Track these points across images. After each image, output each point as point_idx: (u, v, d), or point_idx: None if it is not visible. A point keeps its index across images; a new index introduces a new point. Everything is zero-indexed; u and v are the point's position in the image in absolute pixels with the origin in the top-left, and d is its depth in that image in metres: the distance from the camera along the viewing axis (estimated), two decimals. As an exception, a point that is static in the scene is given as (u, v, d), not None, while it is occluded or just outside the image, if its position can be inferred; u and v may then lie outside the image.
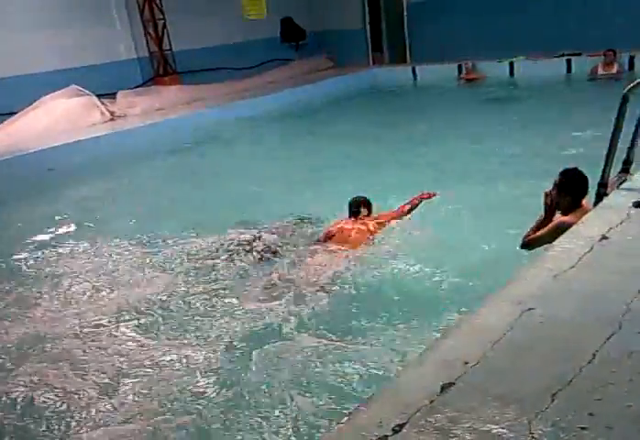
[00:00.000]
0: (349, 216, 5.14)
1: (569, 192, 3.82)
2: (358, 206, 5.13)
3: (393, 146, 8.24)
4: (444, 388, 2.11)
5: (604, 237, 3.12)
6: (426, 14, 14.27)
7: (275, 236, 5.24)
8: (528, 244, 3.91)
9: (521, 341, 2.35)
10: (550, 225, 3.79)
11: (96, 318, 4.22)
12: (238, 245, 5.11)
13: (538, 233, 3.87)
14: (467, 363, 2.22)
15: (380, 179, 6.58)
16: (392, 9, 15.19)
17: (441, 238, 4.93)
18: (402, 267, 4.53)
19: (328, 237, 4.99)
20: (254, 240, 5.14)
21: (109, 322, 4.15)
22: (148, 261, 5.08)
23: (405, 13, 14.74)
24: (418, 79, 13.82)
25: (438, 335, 3.07)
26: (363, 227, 4.99)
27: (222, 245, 5.17)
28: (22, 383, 3.54)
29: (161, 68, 12.61)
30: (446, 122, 9.40)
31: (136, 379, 3.53)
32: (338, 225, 5.05)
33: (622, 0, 11.90)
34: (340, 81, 13.47)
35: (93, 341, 3.95)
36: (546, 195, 3.92)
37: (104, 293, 4.61)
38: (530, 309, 2.54)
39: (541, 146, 7.34)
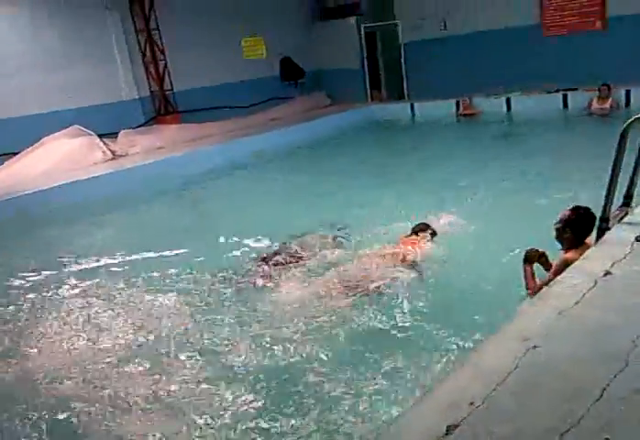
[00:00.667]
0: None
1: (575, 230, 3.82)
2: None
3: (396, 177, 8.29)
4: (449, 429, 2.07)
5: (608, 273, 3.10)
6: (422, 52, 14.54)
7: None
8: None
9: (527, 380, 2.31)
10: (555, 266, 3.76)
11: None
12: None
13: (544, 279, 3.80)
14: (472, 404, 2.18)
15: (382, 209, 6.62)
16: (389, 48, 15.48)
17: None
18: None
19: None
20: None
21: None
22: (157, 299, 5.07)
23: (402, 51, 15.02)
24: (417, 115, 13.98)
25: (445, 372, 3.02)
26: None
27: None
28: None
29: (163, 107, 12.76)
30: (444, 155, 9.45)
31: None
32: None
33: (616, 36, 12.12)
34: (340, 117, 13.61)
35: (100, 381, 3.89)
36: (527, 252, 3.99)
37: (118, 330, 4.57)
38: (535, 347, 2.51)
39: (538, 178, 7.35)
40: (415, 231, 5.45)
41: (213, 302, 4.83)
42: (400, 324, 4.12)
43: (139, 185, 9.18)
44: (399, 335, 4.01)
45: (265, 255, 5.57)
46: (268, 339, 4.09)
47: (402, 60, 15.06)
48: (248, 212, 7.39)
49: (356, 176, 8.65)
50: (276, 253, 5.56)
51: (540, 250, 4.03)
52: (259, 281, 5.13)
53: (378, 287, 4.70)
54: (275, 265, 5.36)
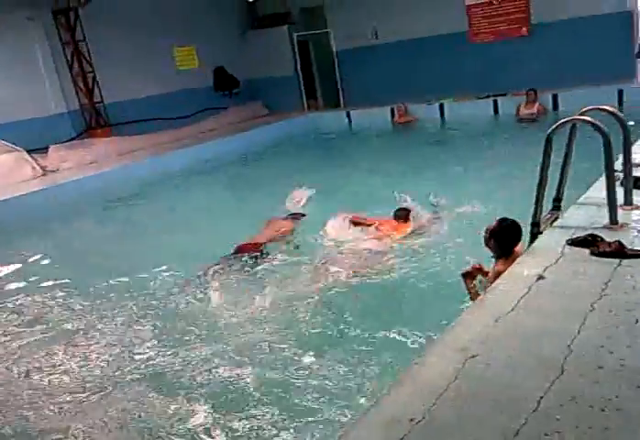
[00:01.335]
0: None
1: (499, 241, 3.85)
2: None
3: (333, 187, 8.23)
4: (390, 449, 2.02)
5: (541, 277, 3.14)
6: (355, 60, 14.68)
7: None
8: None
9: (466, 391, 2.30)
10: (489, 277, 3.80)
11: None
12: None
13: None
14: (412, 420, 2.14)
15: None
16: (323, 57, 15.55)
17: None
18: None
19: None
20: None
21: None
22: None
23: (336, 60, 15.11)
24: (353, 123, 14.06)
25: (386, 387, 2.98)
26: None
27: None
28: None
29: (93, 120, 12.42)
30: (380, 163, 9.51)
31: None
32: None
33: (541, 42, 12.53)
34: (276, 127, 13.56)
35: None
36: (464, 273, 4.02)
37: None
38: (473, 356, 2.50)
39: (470, 183, 7.46)
40: (397, 216, 5.88)
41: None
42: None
43: (71, 202, 8.88)
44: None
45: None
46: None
47: (337, 69, 15.15)
48: (174, 229, 7.25)
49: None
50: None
51: (477, 265, 4.04)
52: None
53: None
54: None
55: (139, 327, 4.64)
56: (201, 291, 5.05)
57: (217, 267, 5.38)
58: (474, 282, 3.84)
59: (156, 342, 4.39)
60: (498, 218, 3.95)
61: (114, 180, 9.82)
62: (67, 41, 12.07)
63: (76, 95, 12.31)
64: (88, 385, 3.92)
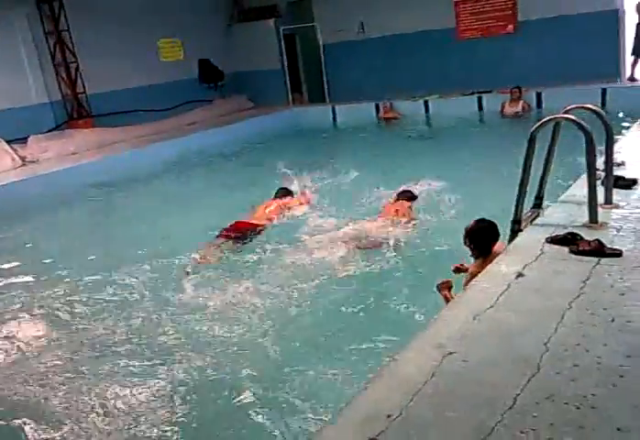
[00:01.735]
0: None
1: (474, 241, 3.86)
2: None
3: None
4: (366, 445, 2.02)
5: (520, 275, 3.14)
6: (342, 55, 14.64)
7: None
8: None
9: (443, 388, 2.29)
10: (464, 280, 3.81)
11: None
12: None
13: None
14: (389, 416, 2.13)
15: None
16: (309, 50, 15.50)
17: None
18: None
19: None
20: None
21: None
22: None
23: (322, 54, 15.06)
24: (338, 118, 14.02)
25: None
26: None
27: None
28: None
29: (75, 111, 12.28)
30: (363, 158, 9.48)
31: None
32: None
33: (527, 40, 12.56)
34: (261, 121, 13.49)
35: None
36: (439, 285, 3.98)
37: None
38: (451, 353, 2.50)
39: (453, 179, 7.46)
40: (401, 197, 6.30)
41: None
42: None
43: (50, 193, 8.77)
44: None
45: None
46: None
47: (323, 63, 15.10)
48: (153, 220, 7.24)
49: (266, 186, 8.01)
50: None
51: (448, 280, 4.01)
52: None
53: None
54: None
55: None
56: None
57: (215, 244, 5.74)
58: (451, 293, 3.83)
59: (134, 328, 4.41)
60: (475, 219, 3.95)
61: (93, 171, 9.71)
62: (50, 31, 11.92)
63: (58, 86, 12.16)
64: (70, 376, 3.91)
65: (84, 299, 5.05)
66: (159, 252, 5.88)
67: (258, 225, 6.17)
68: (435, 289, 3.94)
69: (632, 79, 11.63)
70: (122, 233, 7.07)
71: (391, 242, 5.43)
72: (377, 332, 4.06)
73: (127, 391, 3.66)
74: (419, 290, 4.51)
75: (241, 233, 5.96)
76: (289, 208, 6.64)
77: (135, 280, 5.29)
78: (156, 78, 13.55)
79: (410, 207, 6.19)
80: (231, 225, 6.08)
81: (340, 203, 6.81)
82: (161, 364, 3.92)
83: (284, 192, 6.98)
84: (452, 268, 4.19)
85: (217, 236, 5.96)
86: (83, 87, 12.26)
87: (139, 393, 3.63)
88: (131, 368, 3.94)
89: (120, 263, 5.68)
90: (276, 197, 6.88)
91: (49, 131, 11.70)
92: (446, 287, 3.89)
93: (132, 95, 12.90)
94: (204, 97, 14.76)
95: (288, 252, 5.53)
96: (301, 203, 6.78)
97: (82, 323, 4.65)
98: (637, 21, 11.33)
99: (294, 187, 7.25)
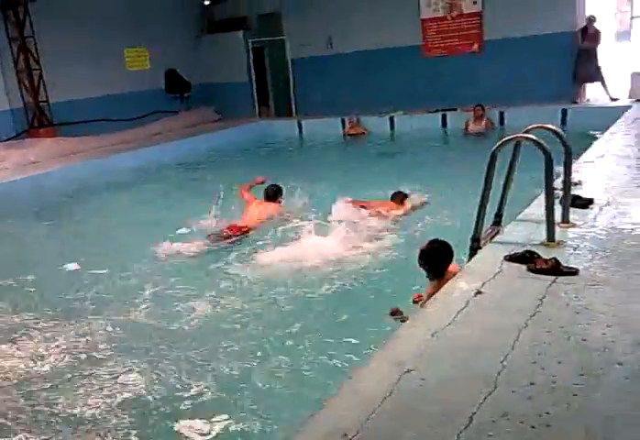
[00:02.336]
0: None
1: (428, 262, 3.82)
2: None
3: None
4: (321, 465, 2.00)
5: (479, 292, 3.18)
6: (310, 69, 14.71)
7: None
8: None
9: (401, 406, 2.29)
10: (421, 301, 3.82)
11: None
12: None
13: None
14: (346, 435, 2.12)
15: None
16: (277, 64, 15.53)
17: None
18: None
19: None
20: None
21: None
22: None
23: (290, 68, 15.13)
24: (304, 132, 14.05)
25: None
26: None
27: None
28: None
29: (36, 120, 12.06)
30: (326, 172, 9.50)
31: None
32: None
33: (494, 60, 12.82)
34: (225, 134, 13.43)
35: None
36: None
37: None
38: (409, 370, 2.50)
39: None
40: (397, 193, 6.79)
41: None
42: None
43: (3, 204, 8.57)
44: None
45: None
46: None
47: (291, 77, 15.16)
48: (106, 234, 7.16)
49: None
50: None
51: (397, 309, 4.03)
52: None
53: None
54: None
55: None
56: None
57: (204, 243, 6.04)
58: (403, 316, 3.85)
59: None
60: (429, 239, 3.97)
61: (52, 181, 9.54)
62: (14, 37, 11.73)
63: (20, 93, 11.95)
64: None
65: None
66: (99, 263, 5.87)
67: (245, 229, 6.41)
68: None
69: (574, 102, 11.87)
70: (69, 245, 6.93)
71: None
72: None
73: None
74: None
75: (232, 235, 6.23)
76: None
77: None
78: (121, 87, 13.42)
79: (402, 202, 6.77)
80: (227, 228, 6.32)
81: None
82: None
83: (274, 192, 7.00)
84: (414, 297, 4.15)
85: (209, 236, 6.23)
86: (46, 95, 12.06)
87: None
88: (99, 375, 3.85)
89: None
90: (266, 197, 6.98)
91: (9, 140, 11.46)
92: (394, 313, 3.90)
93: (96, 104, 12.75)
94: (169, 108, 14.67)
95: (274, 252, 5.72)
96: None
97: None
98: (577, 49, 11.62)
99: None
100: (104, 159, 10.92)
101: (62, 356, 4.16)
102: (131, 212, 8.20)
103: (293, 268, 5.30)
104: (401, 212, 6.62)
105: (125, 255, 6.16)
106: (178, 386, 3.66)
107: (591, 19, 11.57)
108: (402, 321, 3.60)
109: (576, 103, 11.77)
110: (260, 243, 6.04)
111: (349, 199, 6.71)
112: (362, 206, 6.64)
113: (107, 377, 3.84)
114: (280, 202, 7.02)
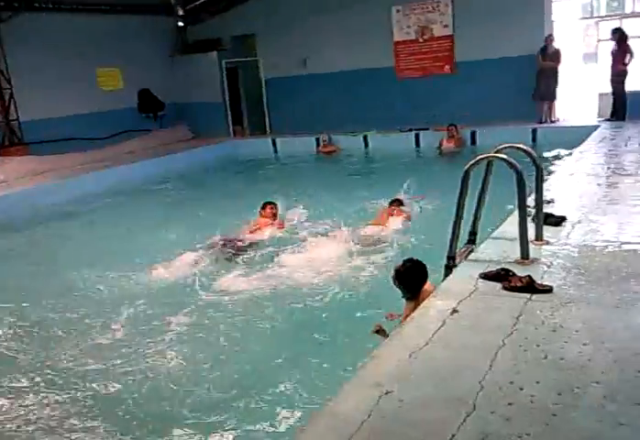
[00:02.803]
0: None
1: (402, 282, 3.81)
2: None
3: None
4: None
5: (455, 311, 3.17)
6: (284, 89, 14.77)
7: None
8: None
9: (379, 429, 2.26)
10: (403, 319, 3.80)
11: None
12: None
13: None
14: (324, 460, 2.08)
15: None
16: (251, 84, 15.57)
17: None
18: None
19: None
20: None
21: None
22: None
23: (264, 88, 15.17)
24: (279, 150, 14.07)
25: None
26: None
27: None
28: None
29: (7, 138, 11.90)
30: (299, 189, 9.51)
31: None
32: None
33: (465, 81, 13.02)
34: (198, 152, 13.35)
35: None
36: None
37: None
38: (388, 392, 2.47)
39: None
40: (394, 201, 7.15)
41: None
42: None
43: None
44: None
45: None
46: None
47: (265, 96, 15.20)
48: (76, 258, 6.93)
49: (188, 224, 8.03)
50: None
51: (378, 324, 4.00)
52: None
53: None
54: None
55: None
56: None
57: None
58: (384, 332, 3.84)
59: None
60: (403, 259, 3.96)
61: (22, 201, 9.37)
62: (-17, 55, 11.60)
63: (-10, 111, 11.80)
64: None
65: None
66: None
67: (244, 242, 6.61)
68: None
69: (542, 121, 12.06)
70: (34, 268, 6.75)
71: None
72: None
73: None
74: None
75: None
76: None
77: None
78: (94, 106, 13.30)
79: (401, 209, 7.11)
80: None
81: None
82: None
83: (271, 206, 7.26)
84: (386, 316, 4.16)
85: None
86: (17, 114, 11.91)
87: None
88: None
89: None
90: (263, 209, 7.24)
91: (-22, 158, 11.27)
92: (377, 331, 3.89)
93: (69, 123, 12.62)
94: (142, 127, 14.58)
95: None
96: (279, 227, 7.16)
97: None
98: (537, 68, 11.86)
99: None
100: (75, 178, 10.76)
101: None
102: (106, 232, 8.08)
103: (291, 280, 5.43)
104: (399, 220, 6.91)
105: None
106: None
107: (550, 39, 11.81)
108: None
109: (541, 122, 11.96)
110: (261, 257, 6.21)
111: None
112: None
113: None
114: (276, 217, 7.22)
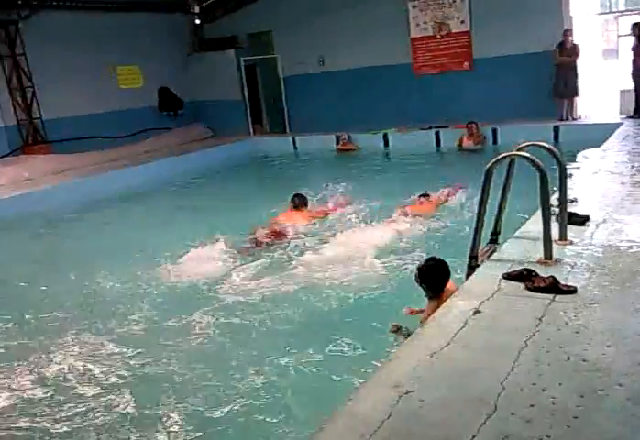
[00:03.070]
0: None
1: (424, 281, 3.83)
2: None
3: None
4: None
5: (477, 311, 3.14)
6: (302, 87, 14.76)
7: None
8: None
9: (399, 429, 2.25)
10: (424, 317, 3.78)
11: None
12: None
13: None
14: (344, 459, 2.07)
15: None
16: (270, 82, 15.59)
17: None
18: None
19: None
20: None
21: None
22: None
23: (283, 85, 15.18)
24: (298, 149, 14.07)
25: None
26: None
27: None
28: None
29: (30, 137, 12.05)
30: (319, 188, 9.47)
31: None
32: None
33: (485, 77, 12.92)
34: (220, 150, 13.41)
35: None
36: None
37: None
38: (408, 392, 2.46)
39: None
40: (422, 195, 7.41)
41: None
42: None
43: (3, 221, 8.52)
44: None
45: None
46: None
47: (283, 94, 15.21)
48: (104, 252, 7.00)
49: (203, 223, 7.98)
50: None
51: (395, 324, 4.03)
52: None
53: None
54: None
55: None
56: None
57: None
58: (402, 332, 3.82)
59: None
60: (426, 257, 3.95)
61: (48, 199, 9.48)
62: (6, 55, 11.75)
63: (13, 110, 11.93)
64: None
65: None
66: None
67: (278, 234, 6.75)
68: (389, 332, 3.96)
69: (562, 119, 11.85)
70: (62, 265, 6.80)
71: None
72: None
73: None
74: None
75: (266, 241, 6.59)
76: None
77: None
78: (114, 105, 13.41)
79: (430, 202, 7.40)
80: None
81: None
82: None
83: (301, 200, 7.45)
84: (406, 311, 4.16)
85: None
86: (39, 112, 12.05)
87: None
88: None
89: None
90: (293, 204, 7.42)
91: (3, 157, 11.42)
92: (395, 330, 3.87)
93: (90, 122, 12.74)
94: (162, 125, 14.67)
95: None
96: (326, 213, 7.50)
97: None
98: (555, 64, 11.67)
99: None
100: (96, 177, 10.87)
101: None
102: (128, 230, 8.11)
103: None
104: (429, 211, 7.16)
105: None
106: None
107: (568, 33, 11.64)
108: (407, 335, 3.56)
109: (562, 119, 11.82)
110: (297, 248, 6.32)
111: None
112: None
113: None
114: (304, 210, 7.41)
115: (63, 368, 4.17)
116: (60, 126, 12.22)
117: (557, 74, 11.76)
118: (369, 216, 7.10)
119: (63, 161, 11.63)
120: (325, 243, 6.32)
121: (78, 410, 3.66)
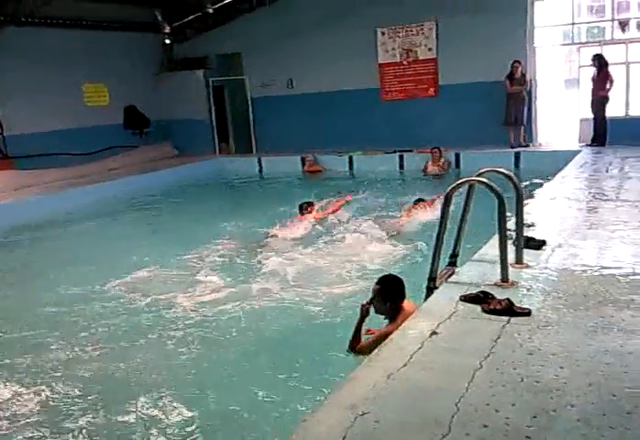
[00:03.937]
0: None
1: (389, 298, 3.89)
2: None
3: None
4: None
5: (434, 333, 3.17)
6: (270, 108, 14.85)
7: None
8: (359, 351, 3.91)
9: (354, 451, 2.24)
10: (378, 334, 3.82)
11: None
12: None
13: (367, 341, 3.93)
14: (297, 483, 2.06)
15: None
16: (238, 102, 15.64)
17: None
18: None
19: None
20: None
21: None
22: None
23: (250, 106, 15.25)
24: (264, 170, 14.08)
25: None
26: None
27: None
28: None
29: (-9, 152, 11.84)
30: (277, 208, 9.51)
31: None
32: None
33: (449, 103, 13.17)
34: (185, 169, 13.39)
35: None
36: (362, 306, 4.04)
37: None
38: (364, 414, 2.46)
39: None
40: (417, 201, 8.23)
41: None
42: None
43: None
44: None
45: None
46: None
47: (251, 115, 15.26)
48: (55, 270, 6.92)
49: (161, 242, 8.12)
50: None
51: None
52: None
53: None
54: None
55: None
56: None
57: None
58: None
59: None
60: (377, 280, 4.03)
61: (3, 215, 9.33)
62: (-30, 70, 11.57)
63: (-25, 126, 11.73)
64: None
65: None
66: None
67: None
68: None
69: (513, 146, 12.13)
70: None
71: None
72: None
73: None
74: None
75: None
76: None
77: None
78: (80, 122, 13.26)
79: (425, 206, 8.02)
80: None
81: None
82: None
83: (307, 206, 8.19)
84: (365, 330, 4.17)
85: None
86: (1, 128, 11.86)
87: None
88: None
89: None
90: (301, 211, 8.13)
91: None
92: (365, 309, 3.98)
93: (54, 138, 12.57)
94: (128, 143, 14.56)
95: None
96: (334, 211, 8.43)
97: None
98: (506, 93, 12.01)
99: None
100: (59, 194, 10.71)
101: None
102: (86, 247, 8.03)
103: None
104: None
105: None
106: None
107: (516, 64, 11.99)
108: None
109: (512, 147, 12.11)
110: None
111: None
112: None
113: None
114: (312, 212, 8.13)
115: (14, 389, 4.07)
116: (23, 141, 12.02)
117: (507, 103, 12.13)
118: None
119: (25, 178, 11.43)
120: (294, 260, 6.45)
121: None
